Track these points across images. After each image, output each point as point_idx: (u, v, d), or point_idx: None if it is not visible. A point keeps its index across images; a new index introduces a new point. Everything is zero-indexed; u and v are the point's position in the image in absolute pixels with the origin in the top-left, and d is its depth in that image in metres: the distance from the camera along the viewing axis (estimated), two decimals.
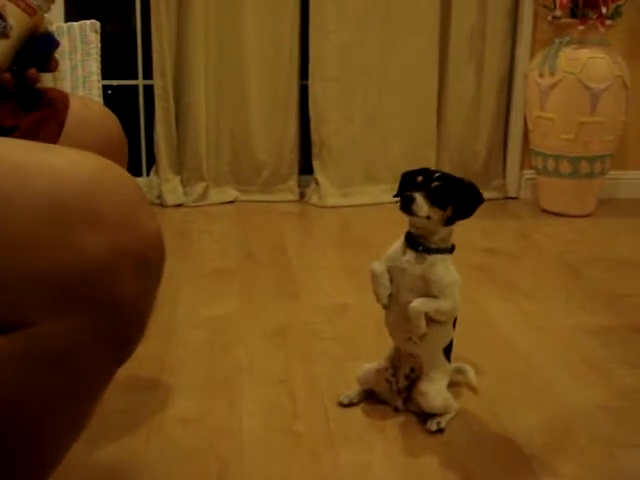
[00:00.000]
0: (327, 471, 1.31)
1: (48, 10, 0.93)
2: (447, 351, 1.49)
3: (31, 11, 0.90)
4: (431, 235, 1.40)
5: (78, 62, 2.36)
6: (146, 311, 0.66)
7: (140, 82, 3.31)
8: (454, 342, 1.52)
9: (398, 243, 1.44)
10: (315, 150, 3.32)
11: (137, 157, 3.42)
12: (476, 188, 1.42)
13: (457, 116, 3.32)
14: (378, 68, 3.24)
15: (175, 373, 1.68)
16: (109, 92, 3.47)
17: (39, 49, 0.94)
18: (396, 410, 1.50)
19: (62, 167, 0.59)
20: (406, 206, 1.35)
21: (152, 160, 3.32)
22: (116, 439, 1.40)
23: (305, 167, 3.43)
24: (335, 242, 2.78)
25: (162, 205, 3.23)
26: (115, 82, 3.28)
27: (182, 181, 3.28)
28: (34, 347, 0.59)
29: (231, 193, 3.34)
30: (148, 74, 3.23)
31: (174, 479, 1.29)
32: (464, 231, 2.96)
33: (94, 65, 2.37)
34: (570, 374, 1.70)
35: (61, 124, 0.98)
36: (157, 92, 3.16)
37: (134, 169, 3.39)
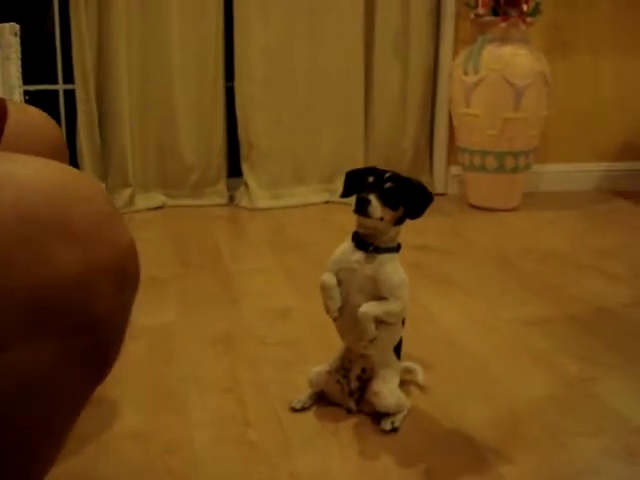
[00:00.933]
0: (284, 479, 1.29)
1: None
2: (397, 350, 1.49)
3: None
4: (380, 235, 1.39)
5: None
6: (123, 328, 0.63)
7: (60, 87, 3.19)
8: (403, 341, 1.52)
9: (345, 244, 1.43)
10: (243, 152, 3.28)
11: None
12: (426, 188, 1.43)
13: (383, 115, 3.34)
14: (304, 69, 3.23)
15: (118, 386, 1.62)
16: (26, 98, 3.33)
17: None
18: (349, 412, 1.49)
19: (29, 178, 0.55)
20: (362, 208, 1.34)
21: (75, 166, 3.20)
22: (62, 460, 1.34)
23: (234, 170, 3.39)
24: (270, 245, 2.75)
25: None
26: (34, 87, 3.15)
27: (107, 187, 3.19)
28: (5, 372, 0.54)
29: (159, 198, 3.26)
30: (68, 79, 3.11)
31: None
32: None
33: (14, 69, 2.27)
34: (516, 367, 1.73)
35: (0, 132, 0.92)
36: (79, 96, 3.06)
37: None
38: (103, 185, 3.15)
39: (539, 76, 2.98)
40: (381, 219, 1.36)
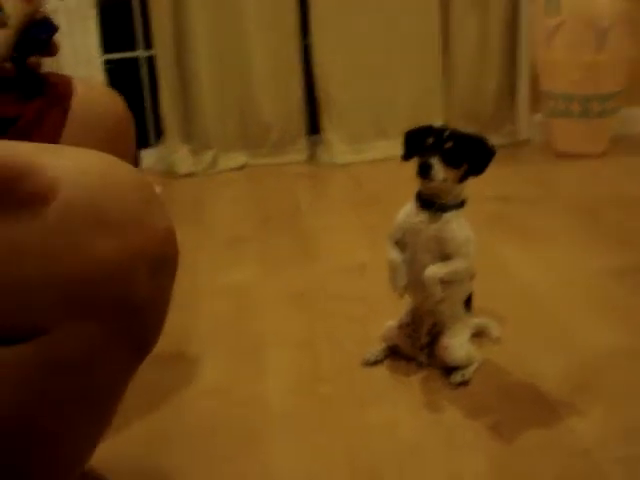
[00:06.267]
0: (355, 431, 1.33)
1: None
2: (467, 303, 1.49)
3: None
4: (444, 194, 1.39)
5: (78, 39, 2.34)
6: (163, 310, 0.65)
7: (141, 53, 3.28)
8: (474, 295, 1.53)
9: (408, 206, 1.43)
10: (322, 108, 3.30)
11: (144, 129, 3.41)
12: (487, 143, 1.40)
13: (463, 63, 3.27)
14: (381, 21, 3.19)
15: (199, 343, 1.70)
16: (110, 67, 3.44)
17: (38, 34, 0.93)
18: (420, 365, 1.51)
19: (67, 170, 0.58)
20: (425, 173, 1.34)
21: (160, 131, 3.30)
22: (143, 416, 1.42)
23: (314, 127, 3.41)
24: (349, 200, 2.77)
25: (173, 175, 3.23)
26: (116, 56, 3.25)
27: (191, 150, 3.27)
28: (51, 354, 0.58)
29: (240, 159, 3.33)
30: (149, 45, 3.19)
31: (205, 450, 1.31)
32: (476, 180, 2.94)
33: (93, 41, 2.35)
34: (594, 318, 1.69)
35: (65, 110, 0.97)
36: (159, 62, 3.14)
37: (142, 141, 3.38)
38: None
39: (622, 15, 2.83)
40: (444, 180, 1.35)
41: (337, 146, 3.28)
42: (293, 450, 1.29)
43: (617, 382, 1.42)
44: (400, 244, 1.43)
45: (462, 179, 1.39)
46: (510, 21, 3.24)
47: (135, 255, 0.59)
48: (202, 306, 1.90)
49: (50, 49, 0.96)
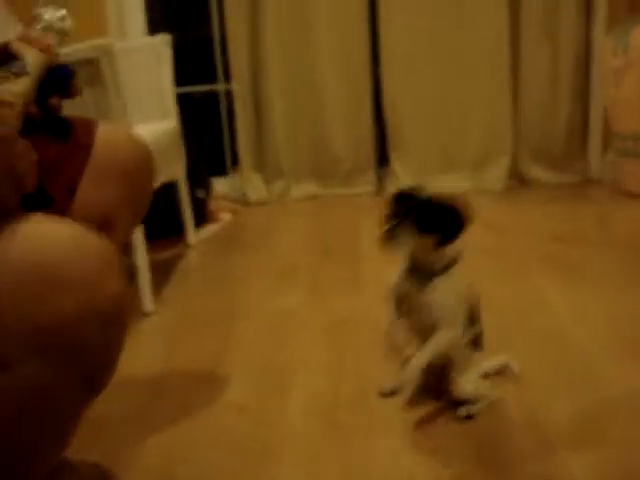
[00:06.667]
0: (358, 457, 1.40)
1: (60, 45, 1.07)
2: (475, 343, 1.53)
3: (45, 48, 1.04)
4: (426, 261, 1.39)
5: (153, 76, 2.53)
6: (111, 359, 0.77)
7: (221, 87, 3.47)
8: (483, 335, 1.56)
9: (400, 269, 1.45)
10: (390, 140, 3.38)
11: (222, 158, 3.59)
12: (460, 211, 1.36)
13: (533, 98, 3.30)
14: (449, 54, 3.26)
15: (231, 362, 1.80)
16: (194, 98, 3.66)
17: (56, 78, 1.07)
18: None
19: (44, 237, 0.72)
20: (389, 241, 1.32)
21: (234, 160, 3.48)
22: (171, 426, 1.54)
23: (383, 158, 3.50)
24: None
25: (246, 203, 3.38)
26: (197, 88, 3.45)
27: (264, 179, 3.42)
28: (14, 384, 0.71)
29: (311, 188, 3.46)
30: (228, 79, 3.38)
31: (221, 462, 1.41)
32: (535, 216, 2.95)
33: (167, 76, 2.54)
34: (622, 362, 1.69)
35: (88, 152, 1.10)
36: (237, 94, 3.32)
37: (219, 169, 3.57)
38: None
39: None
40: (416, 247, 1.34)
41: (404, 178, 3.35)
42: (302, 468, 1.38)
43: (625, 429, 1.43)
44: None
45: (439, 245, 1.36)
46: (582, 56, 3.24)
47: (87, 311, 0.71)
48: (242, 328, 2.01)
49: (70, 91, 1.09)
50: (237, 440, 1.49)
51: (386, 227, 1.32)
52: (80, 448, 1.33)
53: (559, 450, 1.37)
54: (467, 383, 1.48)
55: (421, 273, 1.40)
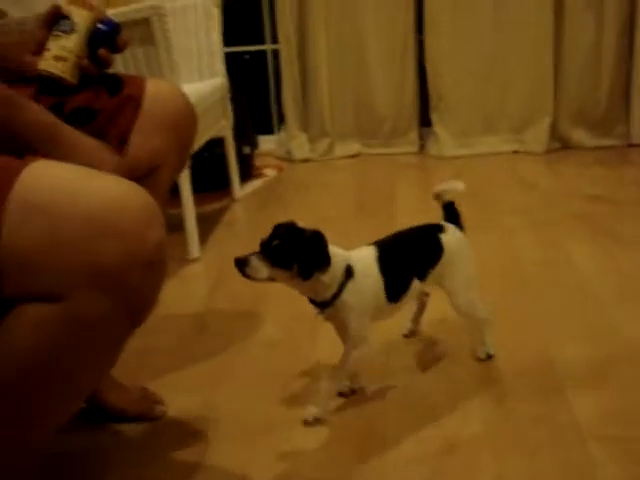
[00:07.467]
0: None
1: (104, 3, 1.19)
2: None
3: (90, 7, 1.17)
4: (312, 292, 1.38)
5: (203, 36, 2.66)
6: (151, 297, 0.91)
7: (268, 47, 3.58)
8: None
9: None
10: (433, 103, 3.45)
11: (268, 116, 3.72)
12: (318, 244, 1.33)
13: (576, 63, 3.31)
14: (492, 19, 3.30)
15: (264, 303, 1.95)
16: (247, 57, 3.79)
17: (103, 33, 1.19)
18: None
19: (97, 191, 0.86)
20: (240, 269, 1.31)
21: (282, 119, 3.59)
22: (209, 357, 1.70)
23: (425, 119, 3.57)
24: None
25: (291, 160, 3.51)
26: (245, 48, 3.57)
27: (309, 137, 3.54)
28: (71, 314, 0.85)
29: (354, 147, 3.55)
30: (275, 40, 3.49)
31: (256, 386, 1.56)
32: (574, 177, 2.98)
33: (216, 37, 2.66)
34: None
35: (138, 106, 1.23)
36: (283, 56, 3.42)
37: (266, 128, 3.69)
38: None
39: None
40: (272, 279, 1.33)
41: (445, 139, 3.43)
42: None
43: (636, 371, 1.52)
44: None
45: (306, 276, 1.32)
46: (626, 22, 3.24)
47: (133, 255, 0.85)
48: None
49: (117, 45, 1.22)
50: (268, 370, 1.63)
51: (239, 257, 1.31)
52: (130, 373, 1.51)
53: (566, 391, 1.47)
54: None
55: (316, 304, 1.40)
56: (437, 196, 1.57)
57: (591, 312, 1.81)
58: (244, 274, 1.31)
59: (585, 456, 1.27)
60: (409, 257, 1.49)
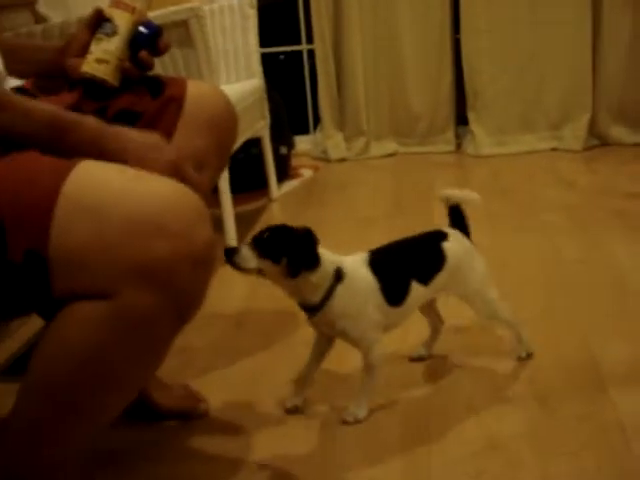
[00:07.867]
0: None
1: (146, 6, 1.21)
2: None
3: (131, 10, 1.19)
4: (300, 293, 1.36)
5: (239, 37, 2.68)
6: (199, 295, 0.92)
7: (304, 47, 3.60)
8: None
9: None
10: (469, 101, 3.44)
11: (304, 116, 3.73)
12: (307, 240, 1.33)
13: (614, 60, 3.26)
14: (528, 16, 3.27)
15: None
16: (282, 57, 3.81)
17: (145, 36, 1.21)
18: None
19: (146, 192, 0.88)
20: (228, 258, 1.30)
21: (318, 119, 3.61)
22: (255, 354, 1.72)
23: (461, 118, 3.55)
24: (479, 189, 2.89)
25: (327, 160, 3.51)
26: (281, 49, 3.59)
27: (345, 137, 3.54)
28: (120, 311, 0.87)
29: (390, 146, 3.55)
30: (310, 40, 3.51)
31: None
32: (613, 174, 2.96)
33: (252, 37, 2.68)
34: None
35: (179, 108, 1.24)
36: (318, 55, 3.43)
37: (302, 128, 3.71)
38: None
39: None
40: (260, 271, 1.32)
41: (482, 138, 3.41)
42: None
43: None
44: None
45: (294, 273, 1.32)
46: None
47: (182, 254, 0.87)
48: None
49: (158, 48, 1.23)
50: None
51: (228, 245, 1.34)
52: (172, 371, 1.53)
53: (609, 389, 1.46)
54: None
55: (306, 309, 1.39)
56: (443, 199, 1.55)
57: (633, 310, 1.79)
58: (232, 263, 1.30)
59: (629, 456, 1.26)
60: (405, 260, 1.47)
